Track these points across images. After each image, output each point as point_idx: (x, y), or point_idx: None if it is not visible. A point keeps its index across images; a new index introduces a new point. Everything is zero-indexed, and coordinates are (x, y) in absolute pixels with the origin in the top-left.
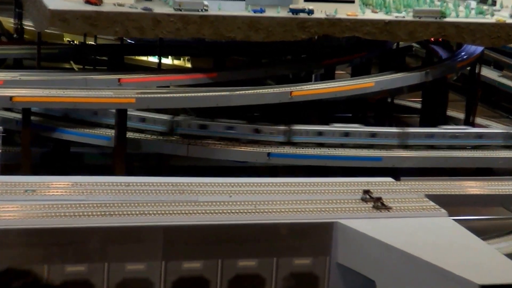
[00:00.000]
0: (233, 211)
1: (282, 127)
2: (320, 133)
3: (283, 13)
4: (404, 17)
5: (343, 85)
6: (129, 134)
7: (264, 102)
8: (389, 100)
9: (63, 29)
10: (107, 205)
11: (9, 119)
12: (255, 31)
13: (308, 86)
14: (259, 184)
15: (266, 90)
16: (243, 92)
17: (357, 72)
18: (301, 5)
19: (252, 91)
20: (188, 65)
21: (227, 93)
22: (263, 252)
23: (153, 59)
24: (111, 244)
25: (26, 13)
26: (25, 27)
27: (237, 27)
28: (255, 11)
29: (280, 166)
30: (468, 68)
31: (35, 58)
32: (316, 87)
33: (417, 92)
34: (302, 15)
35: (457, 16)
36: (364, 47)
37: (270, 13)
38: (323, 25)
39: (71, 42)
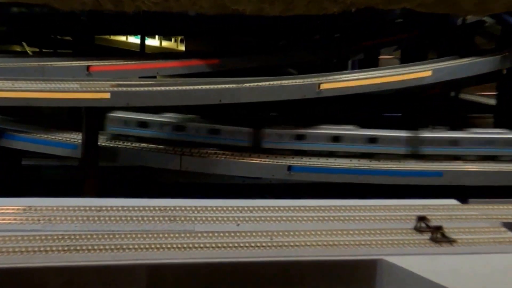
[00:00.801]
0: (241, 244)
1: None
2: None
3: None
4: None
5: (390, 74)
6: (102, 141)
7: (282, 98)
8: (452, 94)
9: None
10: (72, 237)
11: None
12: (270, 2)
13: (342, 76)
14: (276, 208)
15: (286, 82)
16: (255, 84)
17: (409, 57)
18: None
19: (267, 84)
20: (181, 48)
21: (234, 86)
22: None
23: (134, 39)
24: None
25: None
26: None
27: None
28: None
29: (304, 184)
30: None
31: None
32: (352, 78)
33: (491, 83)
34: None
35: None
36: (418, 23)
37: None
38: None
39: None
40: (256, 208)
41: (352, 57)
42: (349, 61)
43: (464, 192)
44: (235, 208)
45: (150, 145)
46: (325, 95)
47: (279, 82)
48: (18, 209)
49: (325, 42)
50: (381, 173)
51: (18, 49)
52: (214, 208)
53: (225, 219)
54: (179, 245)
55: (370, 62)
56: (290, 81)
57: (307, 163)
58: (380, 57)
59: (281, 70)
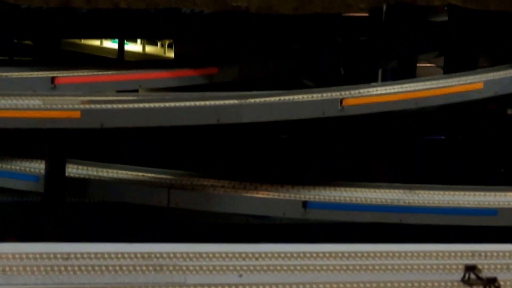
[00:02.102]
0: None
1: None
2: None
3: None
4: None
5: (430, 87)
6: (71, 170)
7: (296, 117)
8: (510, 112)
9: None
10: None
11: None
12: None
13: (370, 89)
14: (288, 255)
15: (300, 96)
16: (262, 100)
17: (454, 65)
18: None
19: (276, 99)
20: (170, 54)
21: (235, 102)
22: None
23: (111, 44)
24: None
25: None
26: None
27: None
28: None
29: (324, 224)
30: None
31: None
32: (383, 91)
33: None
34: None
35: None
36: (467, 23)
37: None
38: None
39: None
40: (263, 255)
41: (382, 65)
42: (379, 70)
43: None
44: (236, 255)
45: (130, 175)
46: (349, 113)
47: (291, 96)
48: None
49: (348, 47)
50: (420, 211)
51: None
52: (211, 255)
53: (225, 268)
54: None
55: (406, 72)
56: (305, 95)
57: (327, 197)
58: (418, 64)
59: (294, 82)
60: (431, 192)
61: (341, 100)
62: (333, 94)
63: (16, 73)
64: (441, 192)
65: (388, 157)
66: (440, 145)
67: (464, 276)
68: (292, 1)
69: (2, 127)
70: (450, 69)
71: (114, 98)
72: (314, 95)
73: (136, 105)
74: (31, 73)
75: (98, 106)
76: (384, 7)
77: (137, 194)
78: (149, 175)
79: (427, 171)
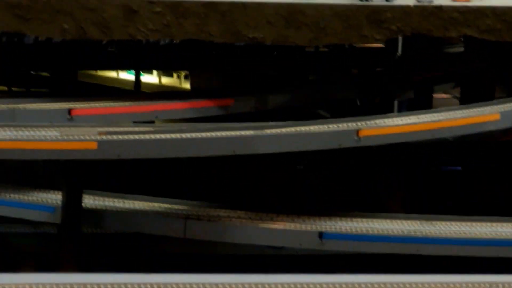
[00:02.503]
0: None
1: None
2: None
3: None
4: None
5: (447, 118)
6: (88, 201)
7: (312, 148)
8: None
9: None
10: None
11: None
12: (296, 29)
13: (386, 120)
14: (305, 286)
15: (316, 127)
16: (278, 131)
17: (471, 96)
18: None
19: (292, 130)
20: (186, 85)
21: (251, 133)
22: None
23: (127, 75)
24: None
25: None
26: None
27: (267, 21)
28: None
29: (341, 255)
30: None
31: None
32: (400, 122)
33: None
34: (376, 0)
35: None
36: (483, 53)
37: None
38: (412, 17)
39: None
40: (279, 285)
41: (399, 96)
42: (395, 101)
43: None
44: (252, 285)
45: (146, 206)
46: (365, 144)
47: (307, 127)
48: None
49: (365, 77)
50: (437, 242)
51: None
52: (227, 285)
53: None
54: None
55: (422, 102)
56: (321, 126)
57: (344, 228)
58: (435, 95)
59: (310, 112)
60: (448, 222)
61: (357, 131)
62: (349, 124)
63: (33, 105)
64: (458, 223)
65: (405, 187)
66: (456, 175)
67: None
68: (308, 32)
69: (19, 158)
70: (467, 99)
71: (131, 129)
72: (330, 126)
73: (152, 136)
74: (48, 104)
75: (114, 137)
76: (400, 38)
77: (153, 224)
78: (166, 205)
79: (444, 201)
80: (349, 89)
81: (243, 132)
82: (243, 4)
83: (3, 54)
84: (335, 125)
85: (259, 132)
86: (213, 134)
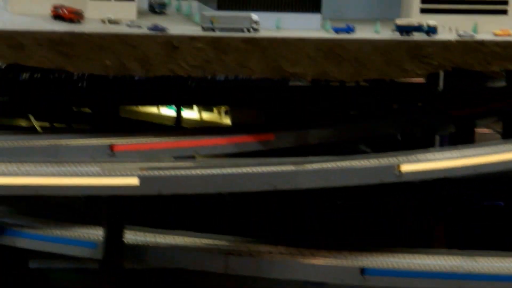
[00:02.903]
0: None
1: None
2: None
3: (385, 32)
4: None
5: (489, 153)
6: (129, 236)
7: (353, 183)
8: None
9: (16, 61)
10: None
11: None
12: (336, 64)
13: (427, 155)
14: None
15: (357, 162)
16: (318, 166)
17: None
18: (415, 19)
19: (333, 165)
20: (227, 121)
21: (292, 168)
22: None
23: (168, 111)
24: None
25: None
26: None
27: (307, 56)
28: (337, 30)
29: None
30: None
31: None
32: (441, 157)
33: None
34: (417, 35)
35: None
36: None
37: (362, 32)
38: (453, 52)
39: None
40: None
41: (440, 131)
42: (436, 135)
43: None
44: None
45: (187, 241)
46: (406, 179)
47: (348, 162)
48: None
49: (405, 112)
50: (479, 278)
51: (24, 124)
52: None
53: None
54: None
55: (464, 137)
56: (362, 161)
57: (385, 264)
58: (476, 130)
59: (350, 147)
60: (491, 258)
61: (398, 166)
62: (390, 159)
63: (75, 141)
64: (501, 259)
65: (447, 222)
66: (499, 211)
67: None
68: (349, 67)
69: (61, 194)
70: (509, 134)
71: (172, 164)
72: (371, 161)
73: (193, 172)
74: (90, 140)
75: (156, 173)
76: (441, 72)
77: (194, 260)
78: (206, 241)
79: (486, 237)
80: (390, 124)
81: (283, 167)
82: (284, 39)
83: (45, 90)
84: (376, 160)
85: (300, 167)
86: (254, 169)
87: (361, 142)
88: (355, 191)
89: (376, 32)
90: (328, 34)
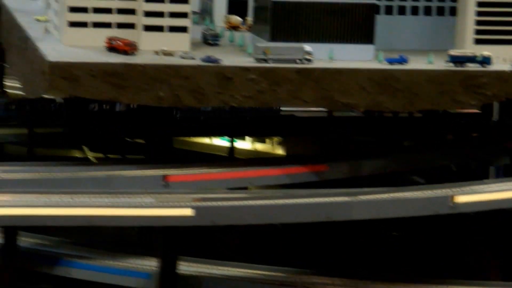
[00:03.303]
0: None
1: None
2: None
3: (438, 63)
4: None
5: None
6: (183, 267)
7: (407, 214)
8: None
9: (71, 93)
10: None
11: None
12: (390, 94)
13: (482, 186)
14: None
15: (411, 193)
16: (372, 197)
17: None
18: (469, 49)
19: (387, 196)
20: (279, 151)
21: (345, 199)
22: None
23: (220, 141)
24: None
25: (11, 67)
26: (7, 90)
27: (360, 87)
28: (391, 61)
29: None
30: None
31: (25, 142)
32: (496, 189)
33: None
34: (471, 66)
35: None
36: None
37: (415, 63)
38: (508, 83)
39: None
40: None
41: (495, 163)
42: (491, 167)
43: None
44: None
45: (241, 272)
46: (461, 210)
47: (402, 194)
48: None
49: (459, 143)
50: None
51: (78, 155)
52: None
53: None
54: None
55: None
56: (416, 192)
57: None
58: None
59: (404, 178)
60: None
61: (452, 197)
62: (444, 191)
63: (129, 172)
64: None
65: (502, 254)
66: None
67: None
68: (402, 98)
69: (116, 224)
70: None
71: (225, 195)
72: (425, 192)
73: (246, 203)
74: (143, 171)
75: (209, 203)
76: (496, 104)
77: None
78: (260, 272)
79: None
80: (444, 155)
81: (337, 198)
82: (337, 70)
83: (99, 122)
84: (430, 191)
85: (353, 198)
86: (307, 200)
87: (415, 173)
88: (410, 222)
89: (430, 62)
90: (381, 65)
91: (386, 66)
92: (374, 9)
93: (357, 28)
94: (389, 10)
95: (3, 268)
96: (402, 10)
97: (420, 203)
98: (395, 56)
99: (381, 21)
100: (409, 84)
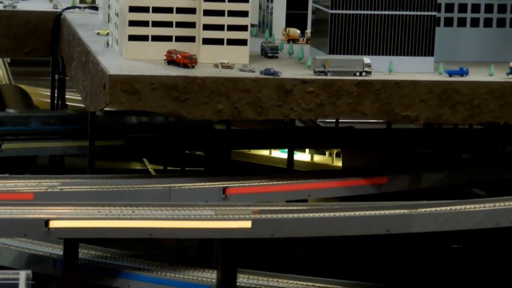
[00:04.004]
0: None
1: None
2: None
3: (499, 74)
4: None
5: None
6: (242, 280)
7: (467, 228)
8: None
9: (130, 107)
10: None
11: (43, 257)
12: (450, 107)
13: None
14: None
15: (472, 206)
16: (432, 210)
17: None
18: None
19: (447, 209)
20: (338, 163)
21: (405, 211)
22: None
23: (279, 154)
24: None
25: (72, 80)
26: (68, 103)
27: (420, 99)
28: (451, 73)
29: None
30: None
31: (85, 155)
32: None
33: None
34: None
35: None
36: None
37: (476, 75)
38: None
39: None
40: None
41: None
42: None
43: None
44: None
45: (300, 285)
46: None
47: (463, 206)
48: None
49: None
50: None
51: (138, 167)
52: None
53: None
54: None
55: None
56: (477, 205)
57: None
58: None
59: (464, 191)
60: None
61: None
62: (505, 203)
63: (189, 184)
64: None
65: None
66: None
67: None
68: (462, 110)
69: (175, 237)
70: None
71: (284, 208)
72: (486, 205)
73: (306, 215)
74: (203, 184)
75: (268, 216)
76: None
77: None
78: (320, 285)
79: None
80: (505, 168)
81: (397, 211)
82: (397, 82)
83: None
84: (490, 204)
85: (413, 211)
86: (367, 213)
87: (475, 186)
88: (471, 235)
89: (490, 74)
90: (442, 77)
91: (446, 78)
92: (434, 21)
93: (417, 40)
94: (449, 22)
95: (64, 280)
96: (462, 22)
97: (480, 216)
98: (455, 68)
99: (441, 33)
100: (470, 97)
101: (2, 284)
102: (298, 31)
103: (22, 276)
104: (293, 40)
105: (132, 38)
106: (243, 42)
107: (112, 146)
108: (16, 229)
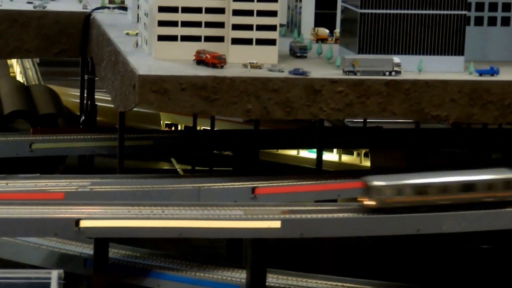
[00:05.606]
0: None
1: None
2: None
3: None
4: None
5: None
6: (271, 280)
7: (497, 228)
8: None
9: (160, 108)
10: None
11: (73, 256)
12: (481, 106)
13: None
14: None
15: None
16: (463, 212)
17: None
18: None
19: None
20: (366, 163)
21: (435, 213)
22: None
23: (307, 154)
24: None
25: (101, 81)
26: (98, 103)
27: (450, 99)
28: (481, 72)
29: None
30: None
31: (114, 155)
32: None
33: None
34: None
35: None
36: None
37: (506, 74)
38: None
39: (172, 128)
40: None
41: None
42: None
43: None
44: None
45: (329, 285)
46: None
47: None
48: None
49: None
50: None
51: (167, 167)
52: None
53: None
54: None
55: None
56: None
57: None
58: None
59: None
60: None
61: None
62: None
63: (218, 184)
64: None
65: None
66: None
67: None
68: (493, 110)
69: (204, 236)
70: None
71: (314, 207)
72: None
73: (335, 215)
74: (232, 184)
75: (298, 216)
76: None
77: None
78: (348, 285)
79: None
80: None
81: (426, 213)
82: (426, 82)
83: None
84: None
85: (444, 213)
86: (397, 214)
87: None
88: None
89: None
90: (472, 77)
91: (476, 77)
92: (464, 20)
93: (447, 39)
94: (479, 21)
95: (94, 279)
96: (492, 21)
97: (509, 216)
98: (486, 67)
99: (471, 32)
100: (500, 96)
101: (35, 283)
102: (327, 31)
103: (54, 275)
104: (322, 40)
105: (161, 38)
106: (272, 42)
107: (141, 146)
108: (47, 228)
